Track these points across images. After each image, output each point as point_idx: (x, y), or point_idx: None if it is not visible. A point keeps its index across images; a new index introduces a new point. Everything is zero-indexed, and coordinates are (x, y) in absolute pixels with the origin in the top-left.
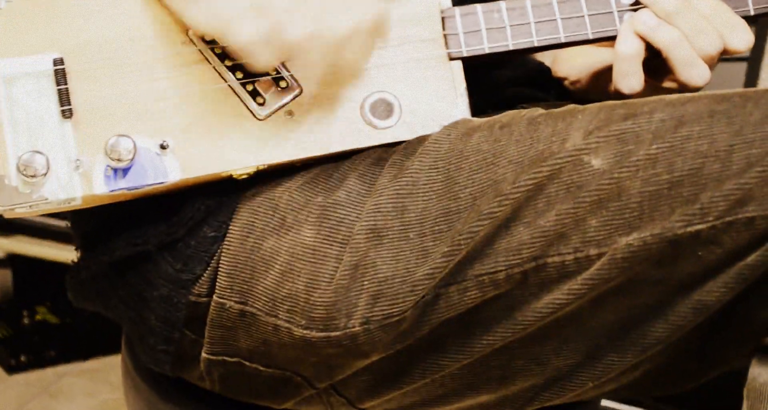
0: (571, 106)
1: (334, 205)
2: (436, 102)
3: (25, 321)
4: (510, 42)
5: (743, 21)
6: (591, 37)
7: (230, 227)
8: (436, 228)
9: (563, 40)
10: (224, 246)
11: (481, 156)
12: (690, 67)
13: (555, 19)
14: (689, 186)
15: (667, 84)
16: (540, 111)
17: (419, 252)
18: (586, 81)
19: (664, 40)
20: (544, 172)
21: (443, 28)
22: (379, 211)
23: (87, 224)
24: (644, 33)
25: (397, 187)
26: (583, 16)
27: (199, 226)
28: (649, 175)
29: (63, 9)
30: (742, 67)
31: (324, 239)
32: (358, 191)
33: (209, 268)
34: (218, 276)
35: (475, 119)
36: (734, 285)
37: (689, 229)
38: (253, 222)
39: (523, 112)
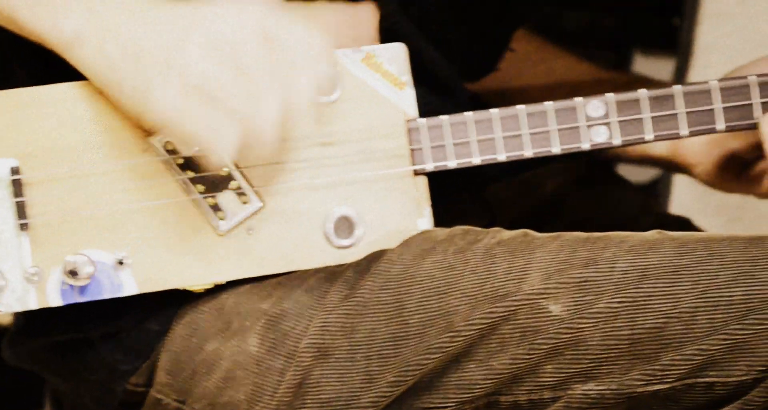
0: (528, 236)
1: (281, 316)
2: (400, 219)
3: None
4: (476, 157)
5: None
6: (558, 152)
7: (174, 324)
8: (384, 352)
9: (529, 156)
10: (167, 342)
11: (433, 283)
12: None
13: (521, 134)
14: (650, 344)
15: None
16: (496, 239)
17: (364, 376)
18: (722, 174)
19: None
20: (499, 312)
21: (410, 142)
22: (327, 330)
23: None
24: None
25: (347, 307)
26: (549, 130)
27: (144, 320)
28: (610, 329)
29: (22, 114)
30: (671, 63)
31: (268, 350)
32: (307, 304)
33: (149, 360)
34: (158, 372)
35: (434, 234)
36: None
37: (648, 388)
38: (197, 321)
39: (480, 234)
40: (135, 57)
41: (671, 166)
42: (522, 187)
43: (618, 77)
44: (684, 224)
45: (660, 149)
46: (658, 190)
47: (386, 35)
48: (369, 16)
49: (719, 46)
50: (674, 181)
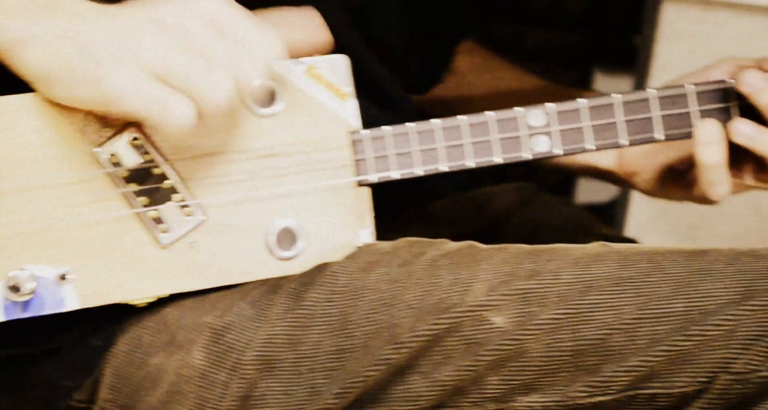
0: (473, 248)
1: (225, 329)
2: (343, 230)
3: None
4: (419, 168)
5: None
6: (500, 162)
7: (117, 339)
8: (329, 365)
9: (471, 166)
10: (110, 358)
11: (378, 295)
12: None
13: (463, 144)
14: (593, 356)
15: (762, 183)
16: (441, 251)
17: (309, 389)
18: (663, 182)
19: (766, 148)
20: (443, 324)
21: (353, 153)
22: (272, 342)
23: None
24: (744, 143)
25: (292, 319)
26: (490, 140)
27: (86, 335)
28: (553, 340)
29: None
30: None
31: (212, 363)
32: (251, 317)
33: (92, 376)
34: (101, 388)
35: (379, 246)
36: None
37: (591, 400)
38: (140, 336)
39: (426, 247)
40: (85, 48)
41: (613, 177)
42: (467, 203)
43: (563, 90)
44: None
45: (603, 160)
46: (614, 210)
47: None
48: (318, 24)
49: (677, 65)
50: (630, 201)
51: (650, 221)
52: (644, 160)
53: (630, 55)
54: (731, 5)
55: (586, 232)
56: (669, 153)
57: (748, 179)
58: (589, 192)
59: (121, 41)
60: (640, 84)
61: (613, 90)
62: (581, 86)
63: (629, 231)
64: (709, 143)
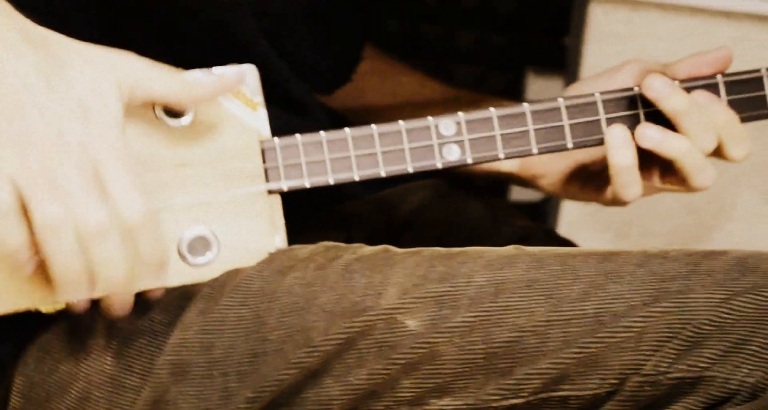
0: (388, 252)
1: (137, 334)
2: (255, 237)
3: None
4: (330, 176)
5: (743, 130)
6: (412, 171)
7: (27, 346)
8: (242, 369)
9: (383, 175)
10: (20, 365)
11: (292, 299)
12: (700, 172)
13: (375, 153)
14: (505, 358)
15: (668, 184)
16: (356, 255)
17: (222, 393)
18: (569, 184)
19: (674, 151)
20: (356, 327)
21: (264, 161)
22: (184, 347)
23: None
24: (652, 147)
25: (205, 323)
26: (403, 149)
27: None
28: (465, 343)
29: None
30: (557, 83)
31: (123, 368)
32: (163, 321)
33: (2, 384)
34: (11, 396)
35: (295, 251)
36: None
37: (504, 403)
38: (50, 342)
39: (341, 251)
40: None
41: (517, 180)
42: (381, 203)
43: (467, 95)
44: (547, 234)
45: (507, 164)
46: (547, 207)
47: (241, 52)
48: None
49: (606, 65)
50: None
51: (582, 218)
52: (548, 164)
53: (561, 56)
54: (659, 5)
55: (503, 224)
56: (573, 156)
57: (657, 181)
58: (521, 189)
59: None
60: (570, 85)
61: (545, 91)
62: (509, 90)
63: (561, 228)
64: (620, 147)
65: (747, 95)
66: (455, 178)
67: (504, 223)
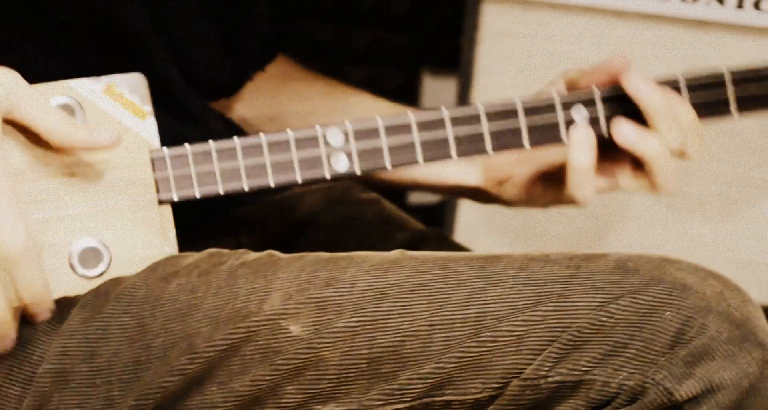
0: (272, 257)
1: (18, 343)
2: (146, 248)
3: None
4: (220, 187)
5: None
6: (300, 181)
7: None
8: (125, 376)
9: (272, 185)
10: None
11: (176, 306)
12: (669, 171)
13: (264, 163)
14: (388, 363)
15: (633, 183)
16: (241, 260)
17: (105, 401)
18: (531, 189)
19: (648, 151)
20: (240, 333)
21: (153, 172)
22: (66, 355)
23: None
24: (626, 145)
25: (88, 331)
26: (292, 159)
27: None
28: (349, 348)
29: None
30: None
31: (5, 377)
32: (44, 330)
33: None
34: None
35: (180, 258)
36: None
37: (387, 408)
38: None
39: (225, 256)
40: None
41: (479, 194)
42: (274, 208)
43: (369, 100)
44: (441, 238)
45: (472, 180)
46: (444, 211)
47: (134, 59)
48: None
49: (500, 65)
50: (459, 202)
51: (480, 221)
52: (513, 167)
53: (456, 56)
54: (551, 5)
55: (396, 228)
56: (537, 159)
57: (623, 180)
58: (418, 193)
59: None
60: (464, 85)
61: (440, 91)
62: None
63: (459, 232)
64: (581, 147)
65: (708, 98)
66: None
67: (397, 228)
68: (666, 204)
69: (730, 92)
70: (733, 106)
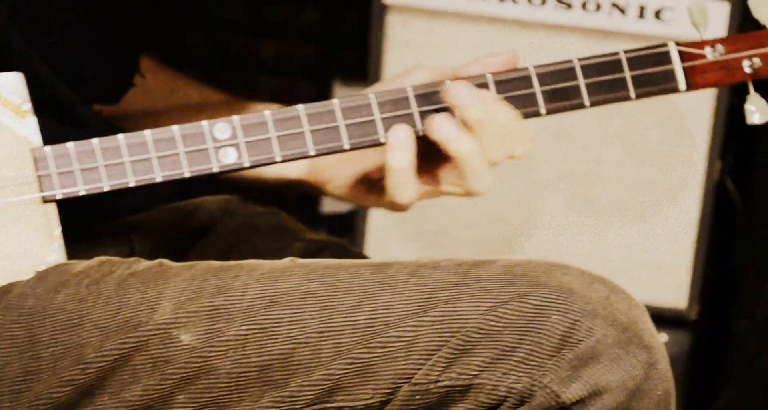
0: (163, 266)
1: None
2: (31, 248)
3: None
4: (105, 183)
5: (527, 130)
6: (189, 175)
7: None
8: (15, 387)
9: (159, 180)
10: None
11: (65, 316)
12: (479, 178)
13: (150, 158)
14: (279, 370)
15: (446, 188)
16: (131, 269)
17: None
18: (354, 189)
19: (461, 151)
20: (130, 342)
21: (36, 170)
22: None
23: None
24: (442, 140)
25: None
26: (178, 154)
27: None
28: (239, 356)
29: None
30: None
31: None
32: None
33: None
34: None
35: (69, 266)
36: None
37: None
38: None
39: (115, 265)
40: None
41: (305, 187)
42: (169, 217)
43: (252, 105)
44: (340, 247)
45: (293, 171)
46: (355, 219)
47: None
48: None
49: None
50: (370, 209)
51: (391, 228)
52: (335, 168)
53: (365, 65)
54: (456, 15)
55: (293, 238)
56: (360, 160)
57: (437, 185)
58: (332, 202)
59: None
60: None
61: None
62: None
63: (370, 240)
64: (398, 147)
65: (519, 92)
66: (248, 191)
67: (295, 238)
68: (576, 210)
69: (537, 89)
70: (541, 105)
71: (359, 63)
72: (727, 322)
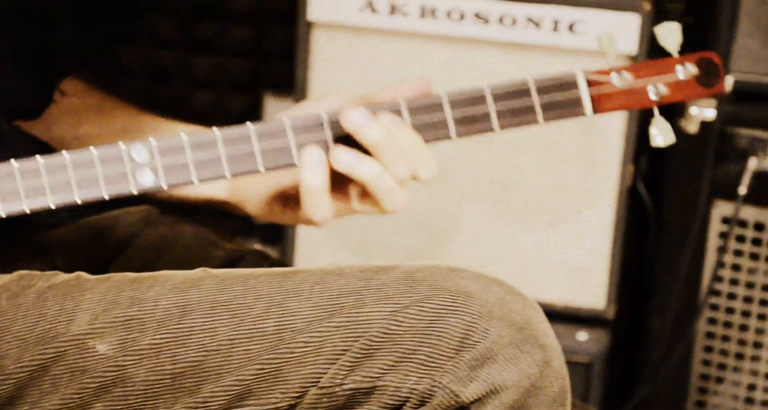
0: (80, 279)
1: None
2: None
3: None
4: (24, 204)
5: (430, 153)
6: (107, 197)
7: None
8: None
9: (78, 202)
10: None
11: None
12: (392, 195)
13: (69, 180)
14: (191, 377)
15: (363, 206)
16: (49, 282)
17: None
18: (271, 206)
19: (365, 175)
20: (49, 353)
21: None
22: None
23: None
24: (345, 170)
25: None
26: (96, 175)
27: None
28: (153, 364)
29: None
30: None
31: None
32: None
33: None
34: None
35: None
36: None
37: None
38: None
39: (34, 279)
40: None
41: (228, 208)
42: (89, 230)
43: (181, 126)
44: (259, 256)
45: (217, 192)
46: (285, 227)
47: None
48: None
49: (332, 89)
50: None
51: (320, 236)
52: (253, 188)
53: (293, 80)
54: (379, 31)
55: (214, 248)
56: (276, 180)
57: (353, 203)
58: None
59: None
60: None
61: (283, 113)
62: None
63: (300, 247)
64: (311, 168)
65: (431, 118)
66: (172, 204)
67: (215, 247)
68: (497, 215)
69: (449, 115)
70: (452, 129)
71: (287, 77)
72: (642, 321)
